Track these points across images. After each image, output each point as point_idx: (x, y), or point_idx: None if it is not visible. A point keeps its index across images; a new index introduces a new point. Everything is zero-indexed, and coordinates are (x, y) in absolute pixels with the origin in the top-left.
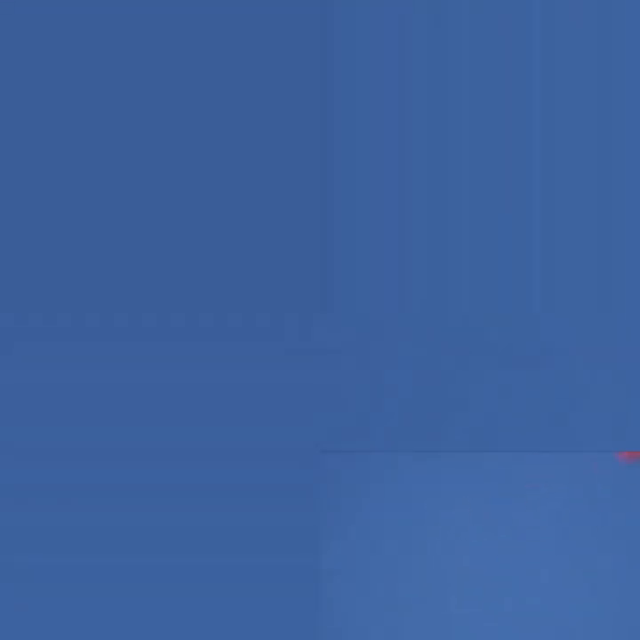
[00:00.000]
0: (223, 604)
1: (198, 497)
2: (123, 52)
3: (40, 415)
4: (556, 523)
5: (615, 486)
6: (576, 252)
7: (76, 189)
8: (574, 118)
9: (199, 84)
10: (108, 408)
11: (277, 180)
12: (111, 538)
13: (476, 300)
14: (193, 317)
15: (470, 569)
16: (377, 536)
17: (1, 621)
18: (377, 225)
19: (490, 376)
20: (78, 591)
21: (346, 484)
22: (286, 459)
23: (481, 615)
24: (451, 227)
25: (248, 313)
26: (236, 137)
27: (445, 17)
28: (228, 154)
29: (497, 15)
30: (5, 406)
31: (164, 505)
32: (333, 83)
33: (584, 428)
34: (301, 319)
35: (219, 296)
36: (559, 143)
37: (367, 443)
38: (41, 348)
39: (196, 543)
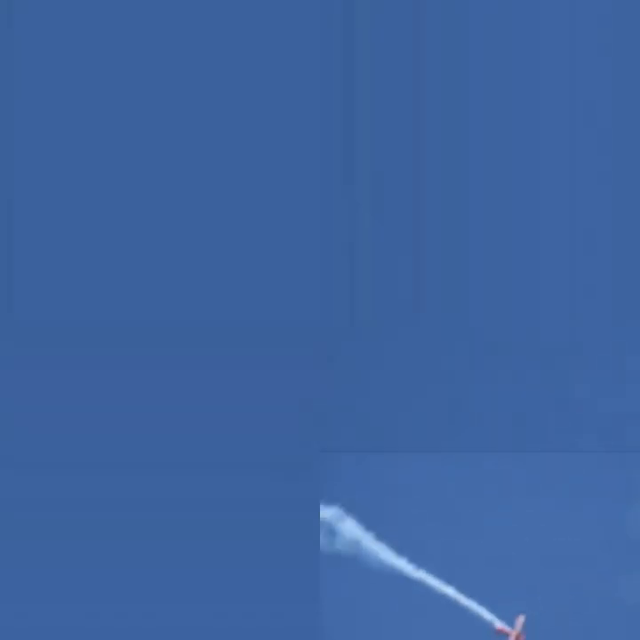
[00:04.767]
0: (224, 601)
1: (199, 497)
2: (129, 58)
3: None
4: (556, 521)
5: (614, 485)
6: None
7: (80, 207)
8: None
9: (211, 106)
10: (114, 405)
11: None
12: (115, 537)
13: (474, 306)
14: (195, 319)
15: (470, 567)
16: (377, 535)
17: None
18: (379, 227)
19: (491, 377)
20: (79, 597)
21: (346, 484)
22: (286, 459)
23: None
24: (462, 233)
25: (250, 315)
26: (243, 143)
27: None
28: (236, 159)
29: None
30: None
31: (164, 504)
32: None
33: (586, 429)
34: (303, 322)
35: (222, 299)
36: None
37: (367, 443)
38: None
39: (197, 541)
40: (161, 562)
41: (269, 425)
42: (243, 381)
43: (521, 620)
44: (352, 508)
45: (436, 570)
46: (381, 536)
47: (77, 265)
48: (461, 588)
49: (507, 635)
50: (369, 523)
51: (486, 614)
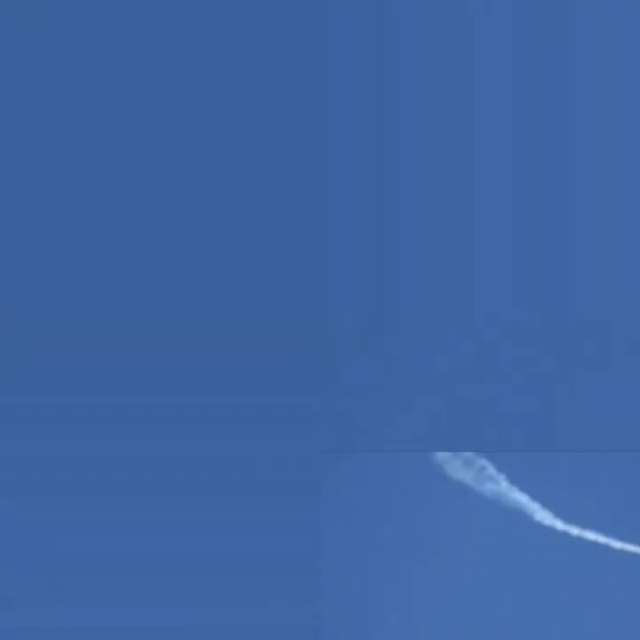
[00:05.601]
0: (225, 601)
1: (199, 496)
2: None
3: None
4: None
5: (614, 484)
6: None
7: (80, 197)
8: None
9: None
10: (113, 399)
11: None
12: (116, 540)
13: (475, 306)
14: (195, 319)
15: (471, 567)
16: (377, 535)
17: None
18: (378, 228)
19: (490, 377)
20: (86, 591)
21: (346, 484)
22: (287, 459)
23: (482, 613)
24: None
25: (250, 316)
26: (237, 144)
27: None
28: (228, 156)
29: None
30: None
31: (164, 504)
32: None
33: (590, 429)
34: (302, 321)
35: (222, 299)
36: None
37: (367, 443)
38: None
39: (197, 542)
40: (161, 561)
41: (270, 425)
42: (243, 382)
43: None
44: (352, 509)
45: (434, 569)
46: (381, 534)
47: (76, 256)
48: (461, 586)
49: None
50: (368, 522)
51: None
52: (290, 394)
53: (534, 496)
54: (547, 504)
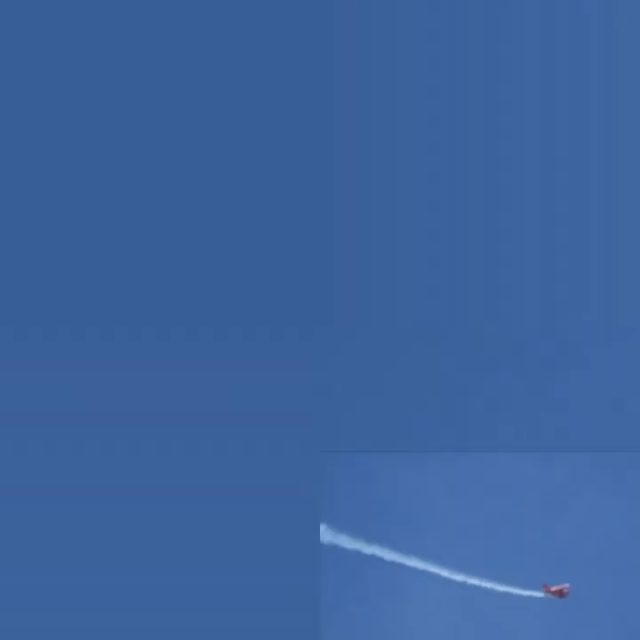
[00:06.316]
0: (224, 600)
1: (199, 496)
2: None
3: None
4: (558, 520)
5: (614, 484)
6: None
7: (79, 200)
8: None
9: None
10: (110, 409)
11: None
12: (113, 534)
13: (475, 304)
14: (194, 318)
15: (471, 567)
16: (377, 535)
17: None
18: (378, 232)
19: (490, 377)
20: (76, 608)
21: (346, 484)
22: (286, 459)
23: (483, 613)
24: (453, 232)
25: (249, 315)
26: (239, 143)
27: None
28: (231, 157)
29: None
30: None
31: (164, 504)
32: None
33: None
34: (302, 321)
35: (220, 298)
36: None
37: (367, 443)
38: (40, 361)
39: (196, 541)
40: (160, 560)
41: (269, 425)
42: (242, 381)
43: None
44: (352, 508)
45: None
46: (382, 536)
47: (71, 262)
48: (461, 586)
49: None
50: (369, 523)
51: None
52: (289, 393)
53: (531, 496)
54: (544, 503)
